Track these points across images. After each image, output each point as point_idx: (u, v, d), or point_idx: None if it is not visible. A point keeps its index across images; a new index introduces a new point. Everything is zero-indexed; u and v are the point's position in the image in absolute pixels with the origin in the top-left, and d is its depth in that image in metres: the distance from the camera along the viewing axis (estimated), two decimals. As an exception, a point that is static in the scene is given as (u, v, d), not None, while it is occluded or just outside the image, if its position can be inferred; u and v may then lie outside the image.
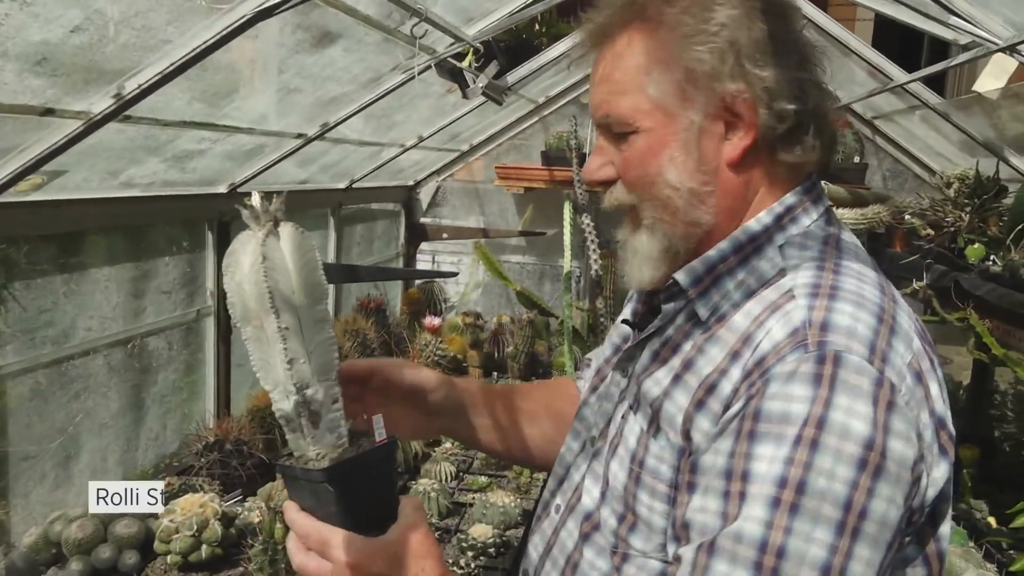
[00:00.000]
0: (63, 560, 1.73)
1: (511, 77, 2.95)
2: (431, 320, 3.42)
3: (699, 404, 0.82)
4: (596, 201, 3.62)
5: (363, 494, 0.85)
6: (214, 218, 2.42)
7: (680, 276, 0.90)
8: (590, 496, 0.96)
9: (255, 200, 0.82)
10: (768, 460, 0.74)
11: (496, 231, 4.02)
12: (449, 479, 2.38)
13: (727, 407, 0.79)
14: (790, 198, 0.91)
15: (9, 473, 1.81)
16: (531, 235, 3.98)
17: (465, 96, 2.45)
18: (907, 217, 3.13)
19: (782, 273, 0.86)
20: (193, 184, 2.28)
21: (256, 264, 0.80)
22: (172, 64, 1.48)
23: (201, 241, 2.44)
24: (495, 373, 3.40)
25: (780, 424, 0.75)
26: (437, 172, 4.04)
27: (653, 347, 0.94)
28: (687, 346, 0.89)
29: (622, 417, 0.95)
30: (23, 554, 1.66)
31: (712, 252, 0.90)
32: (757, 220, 0.90)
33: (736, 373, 0.80)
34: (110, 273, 2.10)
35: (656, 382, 0.89)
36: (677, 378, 0.87)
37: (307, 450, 0.84)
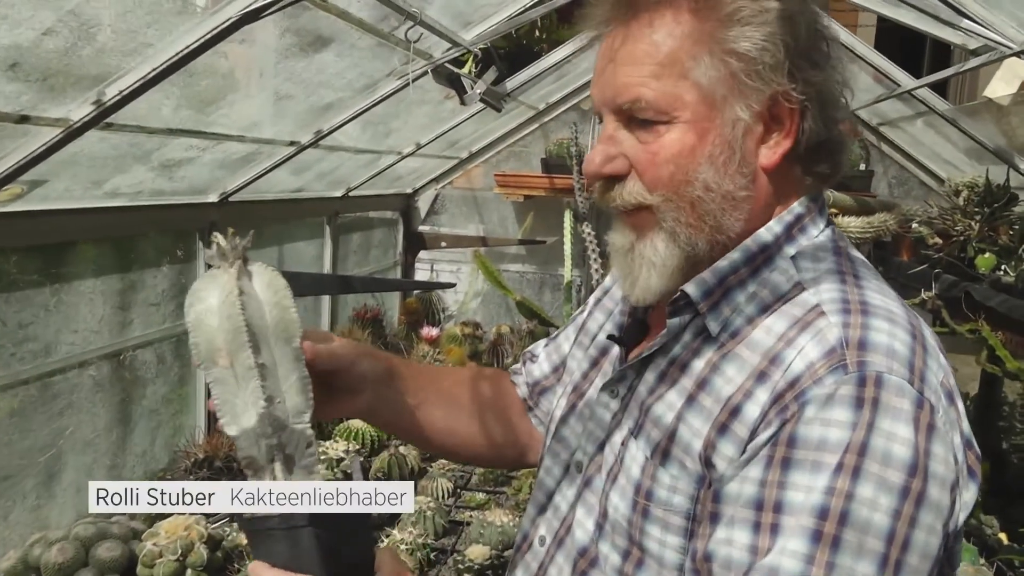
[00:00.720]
0: (42, 585, 1.67)
1: (510, 83, 2.89)
2: (429, 330, 3.36)
3: (721, 428, 0.76)
4: (598, 210, 3.56)
5: (345, 540, 0.78)
6: (205, 228, 2.35)
7: (690, 288, 0.83)
8: (583, 530, 0.88)
9: (221, 239, 0.78)
10: (805, 490, 0.69)
11: (495, 240, 3.95)
12: (446, 496, 2.32)
13: (754, 432, 0.73)
14: (798, 207, 0.85)
15: (-13, 494, 1.75)
16: (531, 244, 3.91)
17: (463, 102, 2.39)
18: (914, 225, 3.07)
19: (799, 287, 0.80)
20: (183, 193, 2.22)
21: (230, 298, 0.76)
22: (154, 69, 1.42)
23: (192, 251, 2.38)
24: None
25: (818, 451, 0.69)
26: (435, 180, 3.98)
27: (658, 367, 0.86)
28: (699, 365, 0.82)
29: (621, 444, 0.87)
30: (0, 579, 1.60)
31: (723, 262, 0.83)
32: (768, 229, 0.83)
33: (763, 395, 0.74)
34: (95, 285, 2.04)
35: (668, 406, 0.82)
36: (691, 400, 0.80)
37: None
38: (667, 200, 0.81)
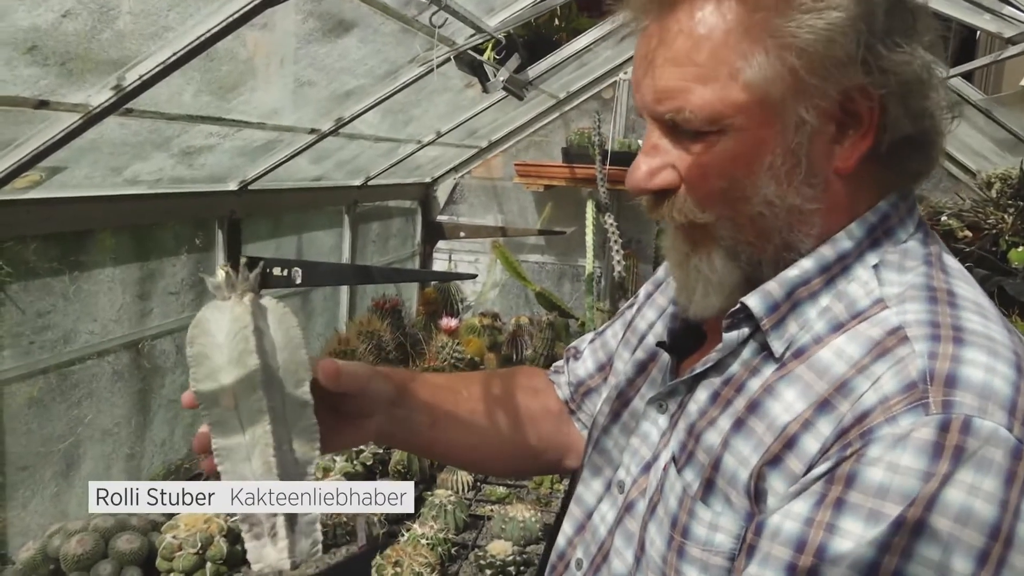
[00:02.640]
0: (61, 576, 1.65)
1: (532, 72, 2.85)
2: (448, 321, 3.32)
3: (773, 460, 0.67)
4: (619, 200, 3.52)
5: None
6: (224, 216, 2.33)
7: (752, 302, 0.73)
8: (622, 560, 0.80)
9: (229, 268, 0.72)
10: (855, 540, 0.59)
11: (515, 230, 3.91)
12: (466, 489, 2.29)
13: (810, 468, 0.64)
14: (884, 205, 0.74)
15: (6, 484, 1.73)
16: (551, 234, 3.87)
17: (485, 90, 2.34)
18: (944, 218, 3.01)
19: (881, 304, 0.69)
20: (202, 181, 2.19)
21: (244, 333, 0.70)
22: (175, 54, 1.38)
23: (211, 240, 2.35)
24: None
25: (877, 498, 0.60)
26: (455, 169, 3.94)
27: (712, 386, 0.76)
28: (754, 384, 0.72)
29: (663, 469, 0.78)
30: (19, 571, 1.59)
31: (793, 272, 0.72)
32: (848, 233, 0.72)
33: (826, 428, 0.64)
34: (114, 274, 2.01)
35: (718, 432, 0.72)
36: (739, 424, 0.71)
37: (276, 559, 0.71)
38: (722, 219, 0.72)
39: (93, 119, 1.43)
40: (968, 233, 2.88)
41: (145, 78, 1.39)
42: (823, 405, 0.66)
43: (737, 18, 0.68)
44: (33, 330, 1.78)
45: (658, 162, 0.74)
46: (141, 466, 2.16)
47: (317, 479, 0.75)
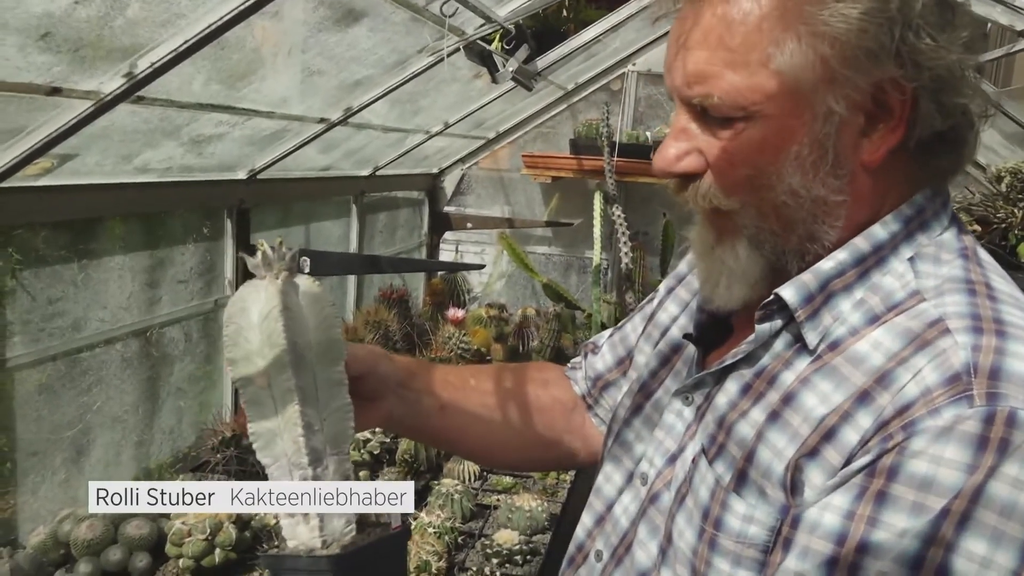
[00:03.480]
0: (71, 561, 1.66)
1: (540, 62, 2.84)
2: (454, 312, 3.33)
3: (812, 453, 0.66)
4: (627, 192, 3.51)
5: None
6: (233, 205, 2.33)
7: (787, 293, 0.72)
8: (646, 552, 0.79)
9: (267, 246, 0.72)
10: (898, 533, 0.59)
11: (522, 221, 3.91)
12: (473, 479, 2.29)
13: (849, 460, 0.63)
14: (919, 198, 0.73)
15: (17, 469, 1.74)
16: (558, 226, 3.87)
17: (495, 81, 2.34)
18: (952, 212, 3.00)
19: (918, 296, 0.68)
20: (211, 170, 2.20)
21: (273, 314, 0.70)
22: (186, 41, 1.38)
23: (220, 229, 2.36)
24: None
25: (920, 491, 0.59)
26: (462, 160, 3.94)
27: (743, 378, 0.75)
28: (788, 377, 0.71)
29: (692, 461, 0.77)
30: (29, 555, 1.59)
31: (828, 263, 0.72)
32: (883, 225, 0.72)
33: (865, 421, 0.64)
34: (124, 261, 2.02)
35: (751, 424, 0.72)
36: (775, 416, 0.70)
37: (308, 537, 0.72)
38: (746, 206, 0.72)
39: (105, 106, 1.44)
40: (977, 227, 2.87)
41: (157, 65, 1.40)
42: (862, 397, 0.65)
43: (771, 4, 0.67)
44: (43, 317, 1.78)
45: (685, 146, 0.73)
46: (150, 453, 2.18)
47: (350, 462, 0.75)
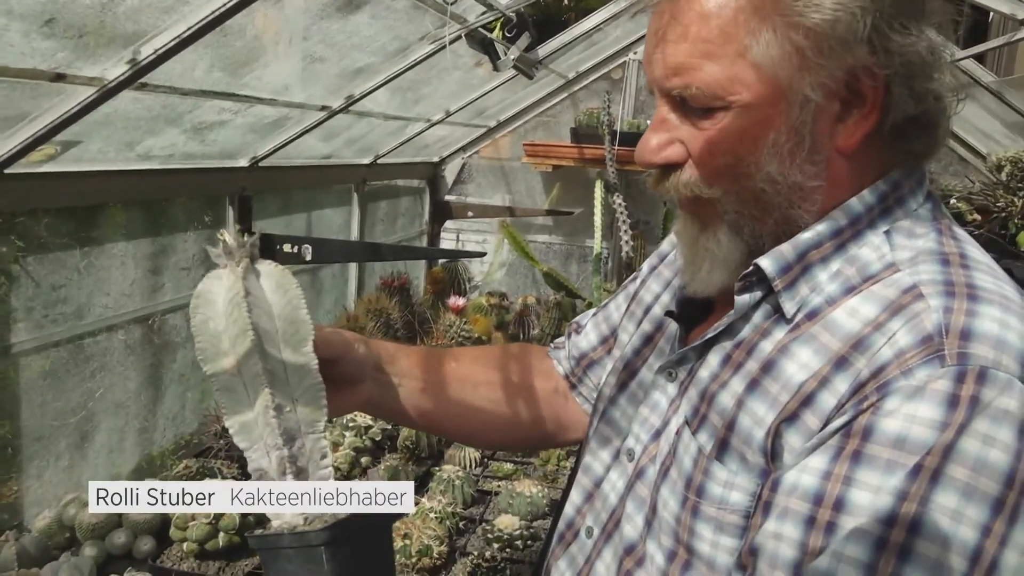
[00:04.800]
0: (77, 545, 1.68)
1: (542, 51, 2.84)
2: (455, 300, 3.34)
3: (791, 418, 0.68)
4: (627, 180, 3.51)
5: (360, 556, 0.74)
6: (235, 193, 2.34)
7: (765, 263, 0.74)
8: (633, 525, 0.81)
9: (228, 235, 0.72)
10: (873, 490, 0.60)
11: (522, 210, 3.92)
12: (474, 465, 2.31)
13: (827, 423, 0.65)
14: (896, 174, 0.75)
15: (22, 454, 1.76)
16: (558, 214, 3.87)
17: (496, 69, 2.34)
18: (952, 201, 3.01)
19: (893, 267, 0.71)
20: (214, 157, 2.20)
21: (236, 300, 0.71)
22: (189, 28, 1.39)
23: (222, 216, 2.36)
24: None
25: (894, 448, 0.61)
26: (463, 149, 3.94)
27: (724, 349, 0.78)
28: (766, 346, 0.73)
29: (676, 433, 0.79)
30: (35, 539, 1.61)
31: (807, 234, 0.74)
32: (860, 199, 0.74)
33: (842, 385, 0.66)
34: (126, 248, 2.03)
35: (731, 393, 0.74)
36: (754, 384, 0.72)
37: (291, 515, 0.73)
38: (727, 194, 0.74)
39: (108, 93, 1.44)
40: (977, 216, 2.88)
41: (160, 52, 1.40)
42: (840, 362, 0.67)
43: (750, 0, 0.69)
44: (46, 303, 1.79)
45: (666, 137, 0.75)
46: (153, 439, 2.19)
47: (326, 439, 0.76)
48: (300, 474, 0.74)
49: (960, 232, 0.76)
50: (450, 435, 1.02)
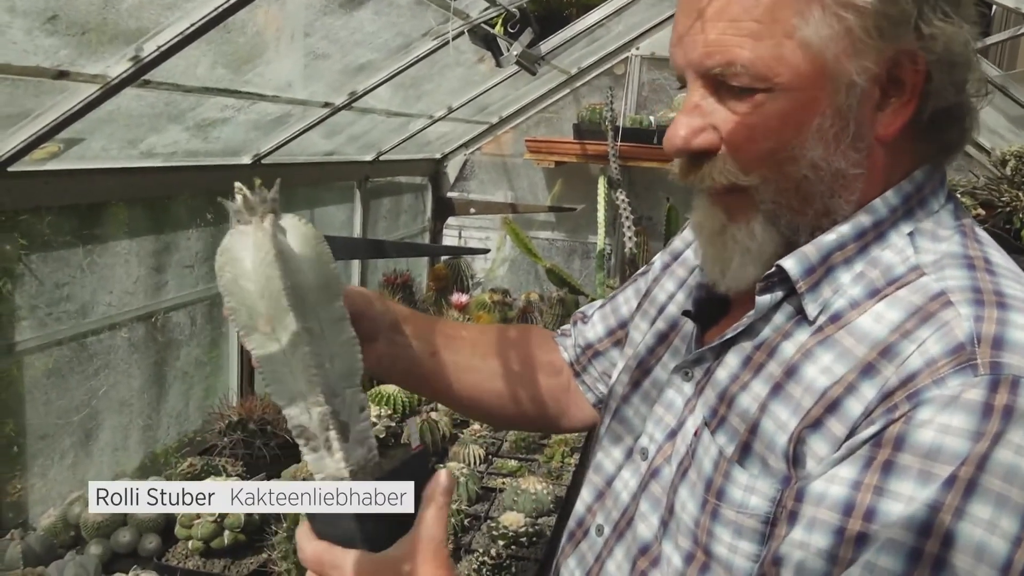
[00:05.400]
0: (82, 543, 1.68)
1: (544, 46, 2.83)
2: (458, 297, 3.34)
3: (815, 424, 0.66)
4: (631, 176, 3.51)
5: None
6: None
7: (789, 264, 0.72)
8: (647, 525, 0.80)
9: (247, 190, 0.68)
10: (906, 500, 0.59)
11: (525, 206, 3.91)
12: (478, 462, 2.31)
13: (853, 431, 0.64)
14: (919, 175, 0.73)
15: (26, 452, 1.75)
16: (561, 211, 3.87)
17: (499, 64, 2.33)
18: (957, 196, 2.99)
19: (918, 271, 0.69)
20: (216, 154, 2.20)
21: (267, 259, 0.67)
22: (192, 25, 1.38)
23: (224, 213, 2.34)
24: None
25: (928, 459, 0.59)
26: (465, 145, 3.94)
27: (743, 350, 0.76)
28: (789, 348, 0.72)
29: (695, 434, 0.78)
30: (40, 537, 1.61)
31: (831, 236, 0.72)
32: (884, 200, 0.72)
33: (870, 392, 0.64)
34: (130, 246, 2.02)
35: (753, 396, 0.72)
36: (778, 388, 0.70)
37: (335, 468, 0.72)
38: (767, 181, 0.71)
39: (111, 90, 1.44)
40: (981, 211, 2.87)
41: (163, 49, 1.40)
42: (866, 369, 0.65)
43: None
44: (50, 302, 1.79)
45: (699, 122, 0.72)
46: (157, 437, 2.19)
47: (363, 392, 0.76)
48: (342, 428, 0.73)
49: (982, 234, 0.74)
50: (456, 404, 1.02)
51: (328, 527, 0.73)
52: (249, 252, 0.69)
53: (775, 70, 0.67)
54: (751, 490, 0.70)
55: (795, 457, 0.67)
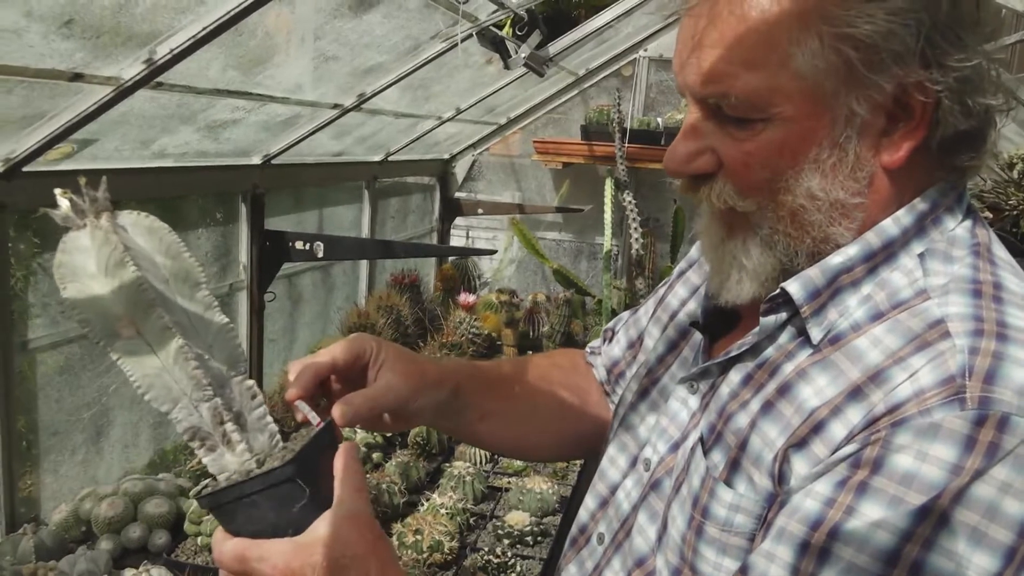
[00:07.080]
0: (93, 538, 1.70)
1: (552, 48, 2.84)
2: (465, 297, 3.35)
3: (800, 444, 0.65)
4: (637, 178, 3.52)
5: (324, 483, 0.70)
6: (248, 190, 2.36)
7: (793, 288, 0.70)
8: (644, 537, 0.79)
9: (69, 193, 0.64)
10: (873, 524, 0.58)
11: (532, 207, 3.92)
12: (484, 462, 2.32)
13: (834, 452, 0.63)
14: (933, 193, 0.70)
15: (39, 448, 1.78)
16: (568, 211, 3.88)
17: (507, 66, 2.35)
18: (964, 199, 3.00)
19: (923, 295, 0.67)
20: (227, 155, 2.22)
21: (114, 255, 0.63)
22: (205, 28, 1.40)
23: (235, 213, 2.38)
24: (530, 352, 3.32)
25: (902, 485, 0.58)
26: (473, 146, 3.95)
27: (745, 369, 0.75)
28: (787, 368, 0.70)
29: (691, 449, 0.77)
30: (52, 532, 1.63)
31: (836, 258, 0.70)
32: (895, 220, 0.69)
33: (855, 417, 0.63)
34: (141, 245, 2.04)
35: (748, 414, 0.71)
36: (769, 406, 0.70)
37: (238, 462, 0.68)
38: (762, 208, 0.70)
39: (125, 92, 1.46)
40: (988, 214, 2.87)
41: (176, 52, 1.42)
42: (854, 392, 0.64)
43: (792, 2, 0.64)
44: (63, 300, 1.81)
45: (697, 145, 0.71)
46: (166, 434, 2.21)
47: (249, 378, 0.72)
48: (238, 419, 0.69)
49: (1000, 254, 0.71)
50: (503, 453, 1.00)
51: (246, 523, 0.69)
52: (91, 255, 0.64)
53: (771, 101, 0.66)
54: (736, 508, 0.69)
55: (780, 475, 0.66)
